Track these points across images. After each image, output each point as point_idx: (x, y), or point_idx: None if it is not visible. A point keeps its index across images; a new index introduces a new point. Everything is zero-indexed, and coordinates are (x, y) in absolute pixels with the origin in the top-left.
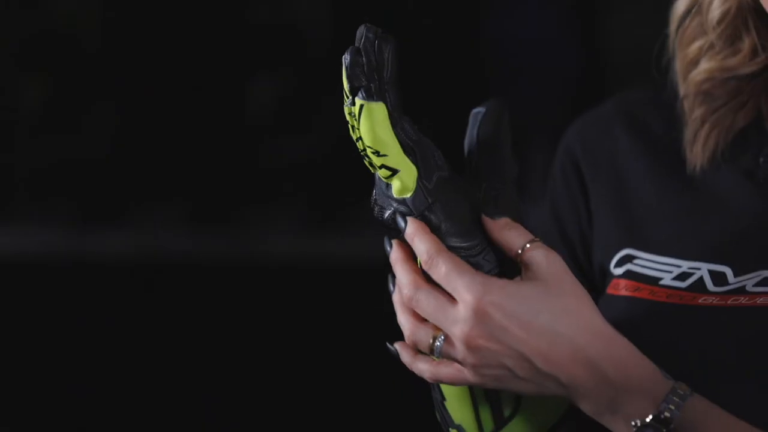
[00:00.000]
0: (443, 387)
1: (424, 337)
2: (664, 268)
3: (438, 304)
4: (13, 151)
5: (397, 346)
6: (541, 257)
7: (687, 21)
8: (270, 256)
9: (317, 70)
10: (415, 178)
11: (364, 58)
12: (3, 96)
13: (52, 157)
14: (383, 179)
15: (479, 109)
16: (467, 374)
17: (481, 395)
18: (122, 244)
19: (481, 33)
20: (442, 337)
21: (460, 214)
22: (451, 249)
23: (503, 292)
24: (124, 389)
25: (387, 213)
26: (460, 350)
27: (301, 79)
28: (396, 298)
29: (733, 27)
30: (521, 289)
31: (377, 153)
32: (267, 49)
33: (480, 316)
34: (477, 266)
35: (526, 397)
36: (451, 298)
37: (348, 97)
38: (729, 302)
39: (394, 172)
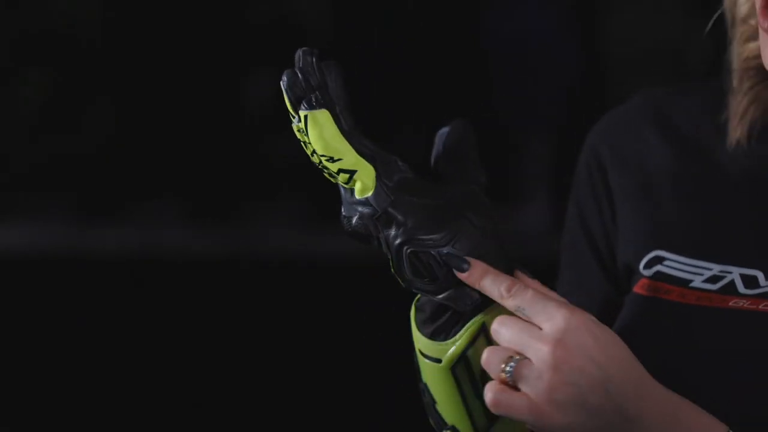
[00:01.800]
0: (432, 389)
1: (498, 357)
2: (695, 270)
3: (522, 325)
4: (12, 148)
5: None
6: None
7: (747, 20)
8: (269, 253)
9: None
10: (374, 177)
11: (301, 77)
12: (3, 93)
13: (51, 153)
14: (344, 185)
15: (443, 129)
16: (532, 401)
17: (470, 393)
18: (121, 240)
19: (482, 33)
20: (517, 358)
21: (425, 207)
22: (420, 241)
23: (589, 315)
24: (124, 385)
25: (354, 219)
26: (539, 368)
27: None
28: None
29: None
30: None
31: (331, 159)
32: (267, 46)
33: (573, 329)
34: (448, 256)
35: None
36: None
37: (294, 116)
38: (760, 307)
39: (351, 173)
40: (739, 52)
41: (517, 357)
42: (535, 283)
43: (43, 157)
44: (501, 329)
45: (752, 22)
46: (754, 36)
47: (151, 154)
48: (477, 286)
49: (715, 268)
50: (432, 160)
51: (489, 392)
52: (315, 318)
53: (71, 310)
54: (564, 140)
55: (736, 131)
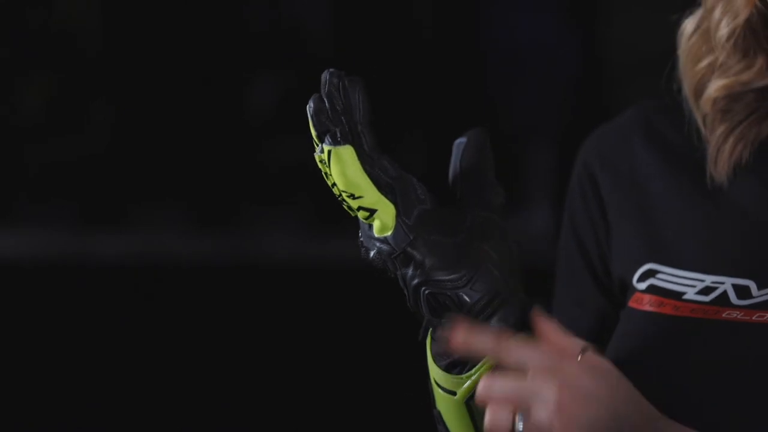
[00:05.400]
0: (446, 418)
1: (504, 416)
2: (688, 283)
3: (517, 377)
4: (14, 153)
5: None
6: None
7: (694, 39)
8: (272, 258)
9: (318, 70)
10: (394, 216)
11: (327, 104)
12: (3, 97)
13: (53, 159)
14: (363, 220)
15: (461, 140)
16: None
17: (480, 417)
18: (123, 246)
19: (481, 37)
20: (521, 415)
21: (443, 246)
22: (437, 282)
23: (591, 355)
24: (126, 392)
25: (372, 253)
26: (547, 416)
27: (302, 79)
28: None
29: (744, 44)
30: (600, 363)
31: (352, 196)
32: (268, 49)
33: (574, 373)
34: (467, 297)
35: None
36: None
37: (317, 145)
38: (753, 318)
39: (371, 212)
40: (707, 95)
41: (521, 412)
42: (551, 325)
43: (45, 163)
44: (494, 385)
45: (728, 46)
46: (724, 67)
47: (154, 159)
48: (464, 350)
49: (708, 279)
50: (450, 176)
51: None
52: (318, 323)
53: (74, 316)
54: (567, 143)
55: (721, 173)
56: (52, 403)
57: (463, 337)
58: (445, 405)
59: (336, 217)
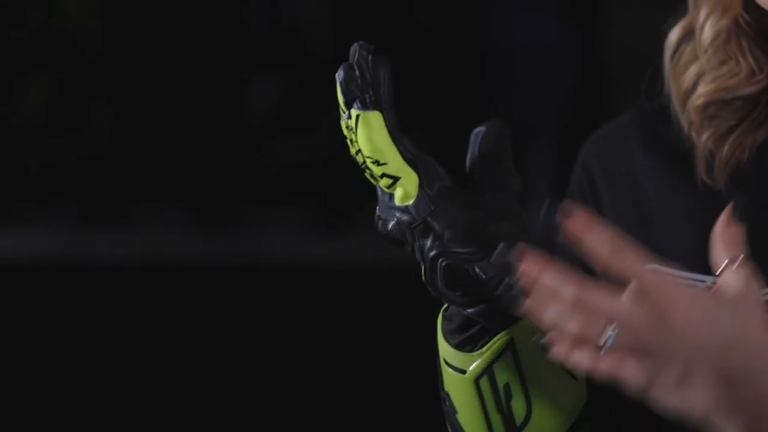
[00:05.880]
0: (454, 399)
1: (597, 326)
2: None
3: (610, 293)
4: (14, 153)
5: (550, 338)
6: (738, 281)
7: (681, 47)
8: (272, 258)
9: (320, 71)
10: (417, 185)
11: (357, 73)
12: (3, 97)
13: (53, 159)
14: (385, 189)
15: (480, 129)
16: (635, 366)
17: (492, 406)
18: (123, 246)
19: (481, 37)
20: (616, 325)
21: (462, 220)
22: (455, 255)
23: (686, 288)
24: (126, 392)
25: (390, 224)
26: (637, 335)
27: (302, 79)
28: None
29: (727, 48)
30: (708, 294)
31: (377, 162)
32: (268, 49)
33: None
34: (482, 272)
35: (537, 405)
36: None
37: (344, 112)
38: None
39: (395, 180)
40: (691, 104)
41: (616, 325)
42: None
43: (45, 163)
44: (592, 290)
45: (711, 50)
46: (709, 75)
47: (155, 160)
48: (578, 240)
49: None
50: (467, 161)
51: (585, 357)
52: (319, 324)
53: (73, 317)
54: (567, 143)
55: (718, 180)
56: (52, 403)
57: (583, 226)
58: (453, 384)
59: (336, 217)
